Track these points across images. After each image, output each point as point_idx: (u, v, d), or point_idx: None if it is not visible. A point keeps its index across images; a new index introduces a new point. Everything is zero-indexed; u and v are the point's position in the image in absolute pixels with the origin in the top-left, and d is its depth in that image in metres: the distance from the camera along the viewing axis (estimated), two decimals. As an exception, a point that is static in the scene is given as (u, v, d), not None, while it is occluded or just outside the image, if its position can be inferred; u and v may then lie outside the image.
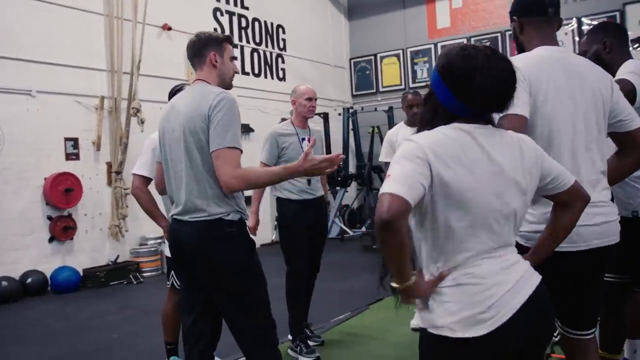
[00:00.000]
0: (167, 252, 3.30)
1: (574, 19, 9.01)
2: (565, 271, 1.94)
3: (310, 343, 3.99)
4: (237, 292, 2.39)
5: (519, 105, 1.76)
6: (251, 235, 2.47)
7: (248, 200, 3.28)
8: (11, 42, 6.31)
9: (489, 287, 1.48)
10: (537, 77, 1.92)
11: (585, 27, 8.71)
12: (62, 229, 6.63)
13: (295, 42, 10.47)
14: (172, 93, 3.32)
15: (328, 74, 11.19)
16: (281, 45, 10.26)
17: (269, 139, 3.93)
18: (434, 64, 10.56)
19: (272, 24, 10.07)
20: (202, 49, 2.50)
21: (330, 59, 11.34)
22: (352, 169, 10.61)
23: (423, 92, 4.62)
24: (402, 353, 3.87)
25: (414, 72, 10.93)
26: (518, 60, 1.87)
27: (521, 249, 1.72)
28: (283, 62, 10.25)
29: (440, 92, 1.56)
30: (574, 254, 1.93)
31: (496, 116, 1.68)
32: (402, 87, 10.87)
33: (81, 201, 6.80)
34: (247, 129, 8.53)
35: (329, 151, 9.08)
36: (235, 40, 9.06)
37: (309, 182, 3.96)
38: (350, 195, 10.52)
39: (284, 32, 10.31)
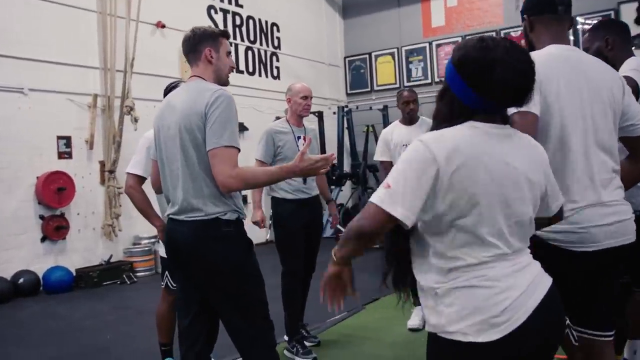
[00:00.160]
0: (162, 252, 3.27)
1: (569, 17, 9.00)
2: (576, 270, 1.90)
3: (307, 344, 3.97)
4: (234, 292, 2.35)
5: (531, 103, 1.74)
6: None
7: (244, 199, 3.24)
8: (2, 40, 6.23)
9: (502, 290, 1.44)
10: (547, 76, 1.90)
11: (580, 26, 8.71)
12: (54, 229, 6.56)
13: (289, 40, 10.42)
14: (168, 90, 3.27)
15: (323, 73, 11.15)
16: (276, 44, 10.21)
17: (264, 136, 3.89)
18: (428, 62, 10.59)
19: (266, 22, 10.03)
20: (197, 45, 2.45)
21: (325, 58, 11.30)
22: (346, 168, 10.58)
23: (418, 90, 4.62)
24: (399, 353, 3.85)
25: (409, 71, 10.90)
26: None
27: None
28: (277, 60, 10.20)
29: (456, 86, 1.52)
30: (585, 254, 1.90)
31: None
32: (397, 85, 10.83)
33: (74, 200, 6.73)
34: (241, 128, 8.46)
35: (323, 150, 9.05)
36: (230, 38, 9.00)
37: (304, 180, 3.93)
38: (345, 194, 10.49)
39: (278, 30, 10.27)
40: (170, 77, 5.95)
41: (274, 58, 10.15)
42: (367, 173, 10.12)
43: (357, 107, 10.80)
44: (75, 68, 6.91)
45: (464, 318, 1.43)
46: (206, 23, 8.59)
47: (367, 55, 11.43)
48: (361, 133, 10.45)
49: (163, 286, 3.48)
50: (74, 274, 6.62)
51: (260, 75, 9.81)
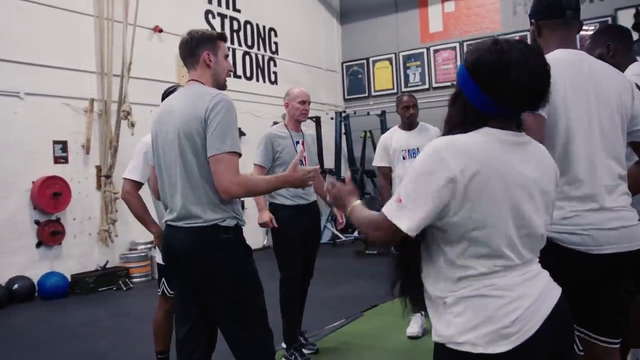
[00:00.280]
0: (158, 259, 3.23)
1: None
2: (578, 273, 1.87)
3: (305, 351, 3.93)
4: (233, 299, 2.32)
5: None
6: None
7: (242, 205, 3.21)
8: (-1, 44, 6.21)
9: (513, 299, 1.40)
10: (554, 80, 1.88)
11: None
12: (50, 234, 6.50)
13: (287, 45, 10.41)
14: (165, 95, 3.24)
15: (320, 78, 11.14)
16: (273, 49, 10.20)
17: (263, 141, 3.87)
18: (426, 68, 10.59)
19: (264, 27, 10.02)
20: (195, 48, 2.42)
21: (323, 63, 11.29)
22: (343, 173, 10.54)
23: (415, 95, 4.60)
24: (399, 361, 3.82)
25: (407, 76, 10.90)
26: None
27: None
28: (275, 65, 10.19)
29: (469, 90, 1.48)
30: (587, 257, 1.87)
31: None
32: (395, 91, 10.84)
33: (70, 205, 6.68)
34: (238, 133, 8.40)
35: (320, 155, 9.02)
36: (227, 43, 8.98)
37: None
38: (342, 199, 10.44)
39: (276, 36, 10.25)
40: (168, 82, 5.89)
41: (272, 63, 10.14)
42: (364, 179, 10.09)
43: (354, 113, 10.79)
44: (72, 72, 6.87)
45: (473, 328, 1.39)
46: (204, 27, 8.55)
47: (364, 61, 11.43)
48: (359, 138, 10.44)
49: (160, 293, 3.44)
50: (70, 279, 6.56)
51: (257, 80, 9.79)
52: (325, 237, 9.44)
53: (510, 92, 1.43)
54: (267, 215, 3.78)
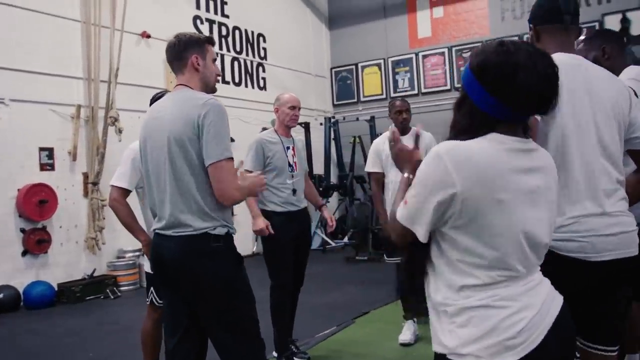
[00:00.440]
0: (147, 267, 3.17)
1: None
2: (576, 281, 1.84)
3: (296, 360, 3.88)
4: (223, 308, 2.27)
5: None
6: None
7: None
8: (-17, 49, 6.11)
9: (518, 310, 1.37)
10: None
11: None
12: (36, 242, 6.40)
13: (276, 51, 10.39)
14: (154, 101, 3.18)
15: (309, 83, 11.12)
16: (262, 54, 10.17)
17: (254, 146, 3.83)
18: (415, 73, 10.61)
19: (252, 32, 9.99)
20: (182, 52, 2.38)
21: (311, 68, 11.28)
22: (333, 179, 10.52)
23: (409, 100, 4.57)
24: (391, 369, 3.77)
25: (395, 82, 10.92)
26: None
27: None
28: (264, 71, 10.16)
29: (475, 93, 1.44)
30: (585, 264, 1.85)
31: None
32: (384, 96, 10.85)
33: (56, 213, 6.58)
34: (228, 139, 8.37)
35: (310, 161, 8.98)
36: (215, 49, 8.94)
37: (293, 192, 3.87)
38: (331, 205, 10.42)
39: (264, 41, 10.23)
40: (156, 88, 5.85)
41: (260, 69, 10.11)
42: (354, 184, 10.06)
43: (343, 118, 10.78)
44: (58, 78, 6.79)
45: (477, 340, 1.36)
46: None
47: (353, 66, 11.43)
48: (348, 144, 10.43)
49: (148, 302, 3.37)
50: (56, 288, 6.45)
51: (246, 86, 9.76)
52: (315, 244, 9.39)
53: (517, 95, 1.40)
54: (262, 222, 3.69)
